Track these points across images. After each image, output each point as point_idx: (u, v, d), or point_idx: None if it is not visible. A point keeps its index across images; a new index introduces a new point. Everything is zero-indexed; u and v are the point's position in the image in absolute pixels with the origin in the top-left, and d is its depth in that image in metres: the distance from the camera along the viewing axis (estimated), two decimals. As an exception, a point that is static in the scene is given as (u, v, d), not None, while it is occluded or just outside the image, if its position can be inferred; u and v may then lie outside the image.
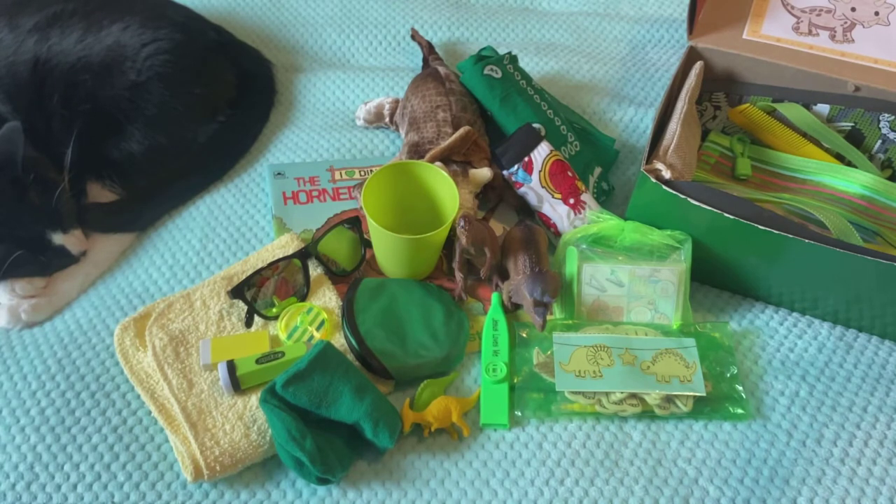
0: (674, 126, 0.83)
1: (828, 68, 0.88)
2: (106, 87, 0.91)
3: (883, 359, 0.82)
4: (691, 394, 0.75)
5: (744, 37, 0.92)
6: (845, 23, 0.93)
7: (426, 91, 0.94)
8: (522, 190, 0.88)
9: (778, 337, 0.83)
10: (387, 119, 1.00)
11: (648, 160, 0.80)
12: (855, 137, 0.91)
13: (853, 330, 0.84)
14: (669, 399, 0.76)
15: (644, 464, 0.73)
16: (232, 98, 1.00)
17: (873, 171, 0.90)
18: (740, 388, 0.77)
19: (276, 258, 0.84)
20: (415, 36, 1.08)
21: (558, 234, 0.87)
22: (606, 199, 0.94)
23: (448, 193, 0.81)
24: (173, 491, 0.71)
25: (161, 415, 0.73)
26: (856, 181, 0.89)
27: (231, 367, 0.74)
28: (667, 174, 0.78)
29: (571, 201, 0.86)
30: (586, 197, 0.87)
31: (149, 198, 0.92)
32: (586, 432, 0.75)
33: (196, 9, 1.07)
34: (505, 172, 0.89)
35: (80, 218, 0.87)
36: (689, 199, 0.76)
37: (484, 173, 0.88)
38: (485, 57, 0.96)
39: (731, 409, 0.76)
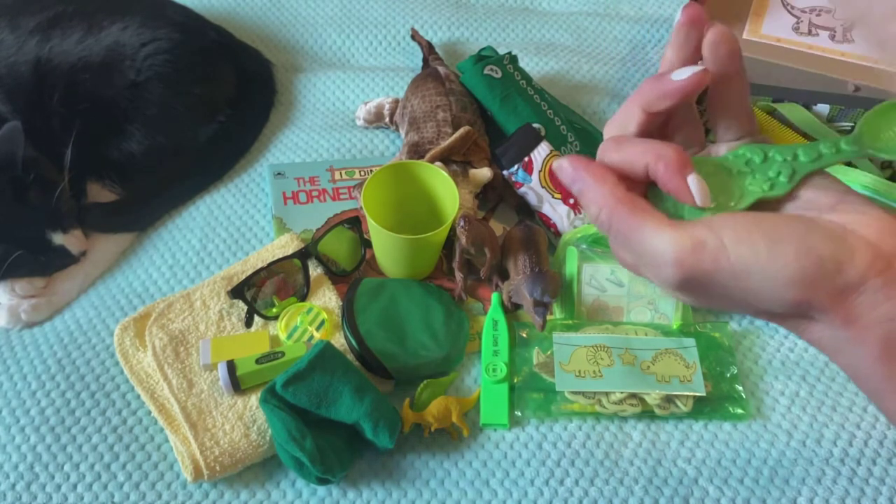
0: (674, 126, 0.82)
1: (828, 68, 0.88)
2: (105, 87, 0.91)
3: (883, 359, 0.81)
4: (691, 394, 0.75)
5: (744, 37, 0.92)
6: (845, 23, 0.93)
7: (426, 91, 0.94)
8: (522, 190, 0.88)
9: (778, 337, 0.83)
10: (387, 119, 1.00)
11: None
12: (855, 137, 0.91)
13: (853, 330, 0.84)
14: (669, 399, 0.76)
15: (644, 464, 0.73)
16: (232, 98, 1.00)
17: (873, 171, 0.90)
18: (740, 388, 0.77)
19: (276, 258, 0.84)
20: (415, 36, 1.08)
21: (558, 234, 0.87)
22: (606, 199, 0.94)
23: (448, 193, 0.81)
24: (173, 491, 0.71)
25: (161, 415, 0.73)
26: (856, 181, 0.89)
27: (231, 367, 0.74)
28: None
29: (571, 201, 0.86)
30: (586, 197, 0.87)
31: (149, 198, 0.92)
32: (586, 432, 0.75)
33: (196, 9, 1.07)
34: (505, 172, 0.89)
35: (80, 218, 0.87)
36: (689, 199, 0.76)
37: (484, 173, 0.88)
38: (485, 57, 0.96)
39: (731, 409, 0.76)
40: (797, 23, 0.93)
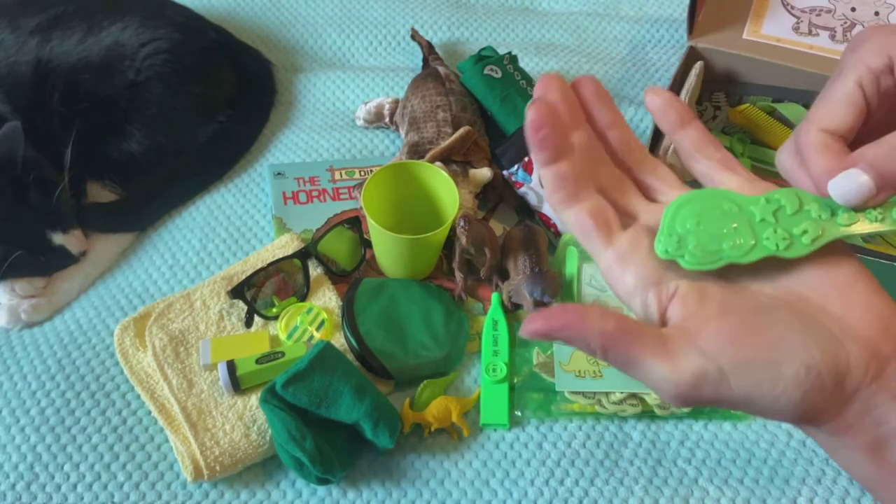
0: (674, 126, 0.82)
1: (828, 68, 0.88)
2: (105, 87, 0.91)
3: (883, 359, 0.81)
4: (691, 394, 0.75)
5: (744, 37, 0.92)
6: (845, 23, 0.93)
7: (426, 91, 0.94)
8: (522, 190, 0.88)
9: (778, 337, 0.83)
10: (387, 119, 1.00)
11: (648, 160, 0.80)
12: (855, 137, 0.91)
13: (853, 330, 0.84)
14: (669, 399, 0.75)
15: (644, 464, 0.73)
16: (232, 98, 1.00)
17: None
18: (740, 388, 0.77)
19: (276, 258, 0.84)
20: (415, 36, 1.08)
21: (558, 234, 0.87)
22: (606, 199, 0.94)
23: (448, 193, 0.81)
24: (173, 491, 0.71)
25: (161, 415, 0.73)
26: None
27: (231, 367, 0.74)
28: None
29: (571, 201, 0.86)
30: (586, 197, 0.87)
31: (149, 198, 0.92)
32: (586, 432, 0.75)
33: (196, 9, 1.07)
34: (505, 172, 0.89)
35: (80, 218, 0.87)
36: (689, 199, 0.76)
37: (484, 173, 0.88)
38: (485, 57, 0.96)
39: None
40: (797, 23, 0.93)
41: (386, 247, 0.82)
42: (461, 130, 0.87)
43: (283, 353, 0.75)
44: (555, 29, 1.17)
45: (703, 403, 0.37)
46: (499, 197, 0.93)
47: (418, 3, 1.18)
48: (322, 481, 0.70)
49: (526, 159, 0.87)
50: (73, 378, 0.77)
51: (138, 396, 0.76)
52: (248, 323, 0.80)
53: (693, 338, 0.37)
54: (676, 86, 0.89)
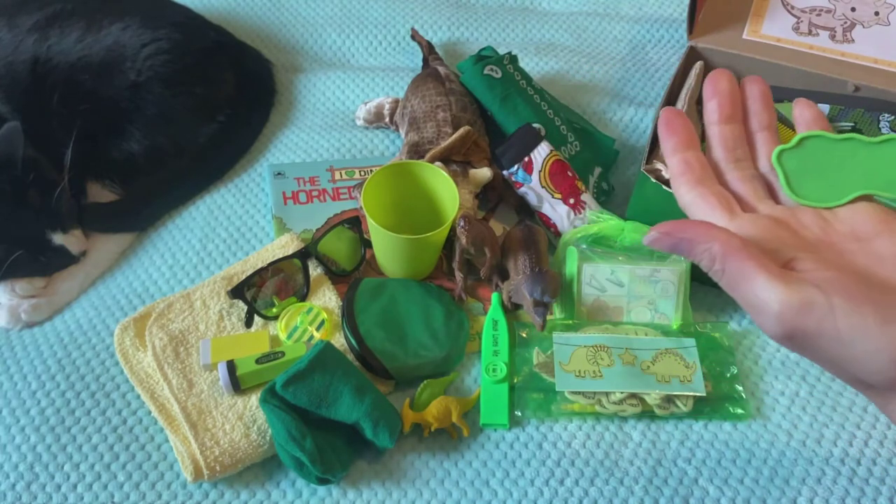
0: (674, 126, 0.82)
1: (828, 68, 0.88)
2: (106, 87, 0.91)
3: (883, 359, 0.81)
4: (691, 394, 0.75)
5: (744, 37, 0.92)
6: (845, 23, 0.93)
7: (426, 91, 0.94)
8: (522, 190, 0.88)
9: (778, 337, 0.83)
10: (387, 119, 1.00)
11: (648, 160, 0.80)
12: (855, 137, 0.91)
13: (853, 330, 0.84)
14: (669, 399, 0.76)
15: (644, 464, 0.73)
16: (232, 98, 1.00)
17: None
18: (740, 388, 0.77)
19: (276, 258, 0.84)
20: (415, 36, 1.08)
21: (558, 234, 0.87)
22: (606, 199, 0.94)
23: (448, 193, 0.81)
24: (173, 491, 0.71)
25: (161, 415, 0.73)
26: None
27: (231, 367, 0.74)
28: (667, 174, 0.78)
29: (571, 201, 0.86)
30: (586, 197, 0.87)
31: (149, 198, 0.92)
32: (586, 432, 0.75)
33: (196, 9, 1.07)
34: (505, 172, 0.89)
35: (80, 218, 0.87)
36: (689, 199, 0.76)
37: (484, 173, 0.88)
38: (485, 57, 0.96)
39: (731, 409, 0.76)
40: (797, 23, 0.93)
41: (386, 247, 0.82)
42: (461, 130, 0.87)
43: (283, 353, 0.75)
44: (555, 29, 1.17)
45: (798, 334, 0.38)
46: (499, 197, 0.93)
47: (418, 3, 1.18)
48: (322, 481, 0.70)
49: (526, 159, 0.87)
50: (73, 378, 0.77)
51: (138, 396, 0.76)
52: (248, 323, 0.80)
53: (811, 276, 0.38)
54: (676, 86, 0.89)
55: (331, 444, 0.70)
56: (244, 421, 0.72)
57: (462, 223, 0.78)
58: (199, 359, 0.76)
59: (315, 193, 0.93)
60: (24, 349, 0.80)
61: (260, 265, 0.83)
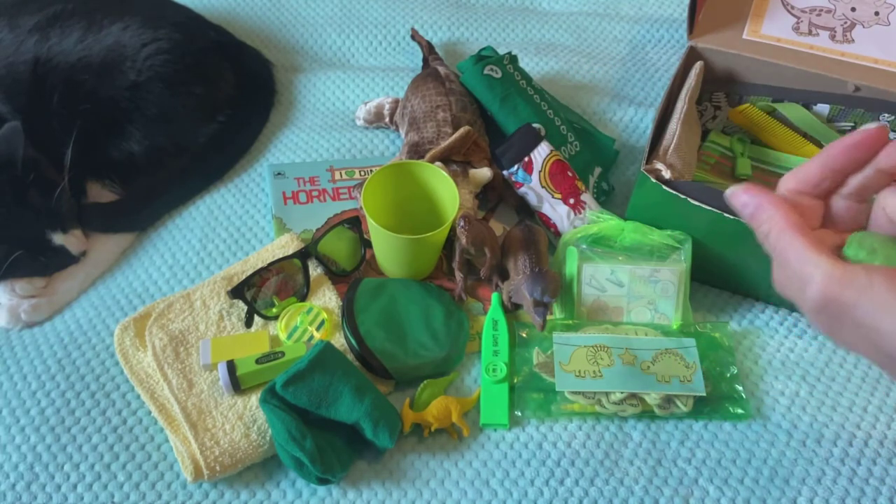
0: (674, 126, 0.82)
1: (828, 68, 0.88)
2: (106, 87, 0.91)
3: (883, 359, 0.81)
4: (691, 394, 0.75)
5: (744, 37, 0.92)
6: (845, 23, 0.93)
7: (426, 91, 0.94)
8: (522, 190, 0.88)
9: (778, 337, 0.83)
10: (387, 119, 1.00)
11: (648, 160, 0.80)
12: (855, 137, 0.91)
13: (853, 330, 0.84)
14: (669, 399, 0.76)
15: (644, 464, 0.73)
16: (232, 98, 1.00)
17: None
18: (740, 388, 0.77)
19: (276, 258, 0.84)
20: (415, 36, 1.08)
21: (558, 234, 0.87)
22: (606, 199, 0.94)
23: (448, 193, 0.81)
24: (173, 491, 0.71)
25: (161, 415, 0.73)
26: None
27: (231, 367, 0.74)
28: (667, 174, 0.78)
29: (571, 201, 0.86)
30: (586, 197, 0.87)
31: (149, 198, 0.92)
32: (586, 432, 0.75)
33: (196, 9, 1.07)
34: (505, 172, 0.89)
35: (80, 218, 0.87)
36: (689, 199, 0.76)
37: (484, 173, 0.88)
38: (485, 57, 0.96)
39: (731, 409, 0.76)
40: (797, 23, 0.93)
41: (386, 247, 0.82)
42: (461, 130, 0.87)
43: (283, 353, 0.75)
44: (555, 29, 1.17)
45: (833, 305, 0.41)
46: (499, 197, 0.93)
47: (418, 3, 1.18)
48: (322, 481, 0.70)
49: (526, 159, 0.87)
50: (73, 378, 0.77)
51: (138, 396, 0.76)
52: (248, 323, 0.80)
53: (864, 265, 0.42)
54: (676, 86, 0.89)
55: (331, 444, 0.70)
56: (244, 421, 0.72)
57: (462, 223, 0.78)
58: (199, 359, 0.76)
59: (315, 193, 0.93)
60: (24, 349, 0.80)
61: (260, 265, 0.83)
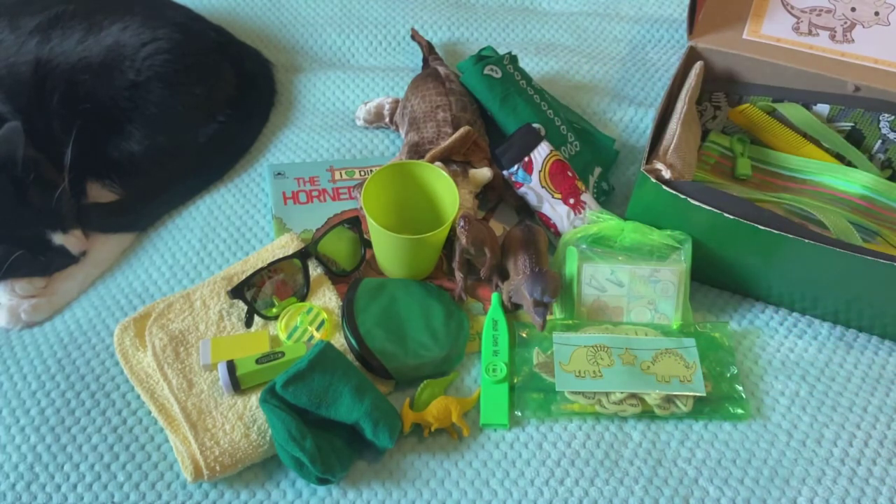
0: (674, 126, 0.83)
1: (828, 68, 0.88)
2: (106, 87, 0.91)
3: (883, 359, 0.82)
4: (691, 394, 0.75)
5: (744, 37, 0.92)
6: (845, 23, 0.93)
7: (426, 91, 0.94)
8: (522, 190, 0.88)
9: (778, 337, 0.83)
10: (387, 119, 1.00)
11: (648, 160, 0.80)
12: (855, 137, 0.91)
13: (853, 330, 0.84)
14: (669, 399, 0.76)
15: (644, 464, 0.73)
16: (232, 98, 1.00)
17: (873, 171, 0.90)
18: (740, 388, 0.77)
19: (276, 258, 0.84)
20: (415, 36, 1.08)
21: (558, 234, 0.87)
22: (606, 199, 0.94)
23: (448, 193, 0.81)
24: (173, 491, 0.71)
25: (161, 415, 0.73)
26: (856, 181, 0.89)
27: (231, 367, 0.74)
28: (667, 174, 0.78)
29: (571, 201, 0.86)
30: (586, 197, 0.87)
31: (149, 198, 0.92)
32: (586, 432, 0.75)
33: (196, 9, 1.07)
34: (505, 172, 0.89)
35: (80, 218, 0.87)
36: (689, 199, 0.76)
37: (484, 173, 0.88)
38: (485, 57, 0.96)
39: (731, 409, 0.76)
40: (797, 23, 0.93)
41: (386, 247, 0.82)
42: (461, 130, 0.87)
43: (283, 353, 0.75)
44: (555, 29, 1.17)
45: None
46: (499, 197, 0.93)
47: (418, 3, 1.18)
48: (322, 481, 0.70)
49: (526, 159, 0.87)
50: (73, 378, 0.77)
51: (138, 396, 0.76)
52: (248, 323, 0.80)
53: None
54: (676, 86, 0.89)
55: (331, 444, 0.70)
56: (244, 421, 0.72)
57: (462, 223, 0.78)
58: (199, 359, 0.76)
59: (315, 193, 0.93)
60: (24, 349, 0.80)
61: (260, 265, 0.83)
